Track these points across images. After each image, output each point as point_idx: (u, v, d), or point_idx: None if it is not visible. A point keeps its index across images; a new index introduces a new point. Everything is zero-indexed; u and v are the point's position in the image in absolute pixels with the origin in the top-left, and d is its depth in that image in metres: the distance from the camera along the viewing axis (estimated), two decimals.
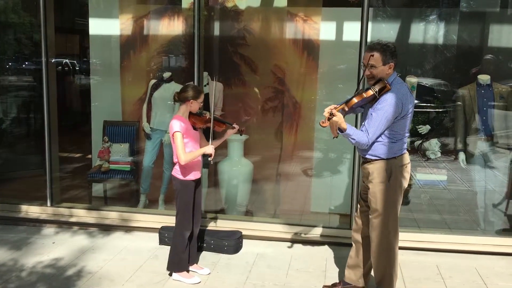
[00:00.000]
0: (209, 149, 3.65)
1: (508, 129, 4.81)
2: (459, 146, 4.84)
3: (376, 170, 3.23)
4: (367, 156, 3.26)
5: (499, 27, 5.30)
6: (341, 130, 3.07)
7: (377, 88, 3.11)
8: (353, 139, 3.12)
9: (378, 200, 3.24)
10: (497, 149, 4.78)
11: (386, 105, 3.07)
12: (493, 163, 4.80)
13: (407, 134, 3.26)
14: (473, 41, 5.34)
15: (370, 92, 3.11)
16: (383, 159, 3.20)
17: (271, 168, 5.59)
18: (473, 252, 4.37)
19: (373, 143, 3.18)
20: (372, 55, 3.12)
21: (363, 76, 3.26)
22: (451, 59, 5.31)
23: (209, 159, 3.68)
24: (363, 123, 3.23)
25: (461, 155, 4.85)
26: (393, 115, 3.09)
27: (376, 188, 3.24)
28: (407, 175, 3.28)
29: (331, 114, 2.97)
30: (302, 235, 4.63)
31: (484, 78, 4.71)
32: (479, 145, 4.77)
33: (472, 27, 5.33)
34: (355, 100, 3.11)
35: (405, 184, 3.28)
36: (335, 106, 3.06)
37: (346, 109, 3.11)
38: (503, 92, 4.76)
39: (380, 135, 3.16)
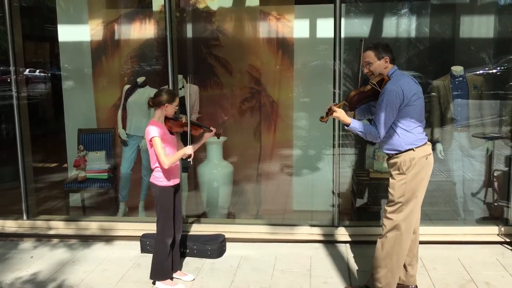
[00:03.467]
0: (189, 149, 3.58)
1: (483, 117, 4.87)
2: (436, 137, 4.89)
3: (395, 163, 3.27)
4: (386, 151, 3.34)
5: (470, 18, 5.37)
6: (347, 125, 3.21)
7: (374, 81, 3.23)
8: (360, 131, 3.22)
9: (394, 192, 3.24)
10: (473, 138, 4.84)
11: (386, 94, 3.15)
12: (470, 152, 4.85)
13: (423, 123, 3.28)
14: (445, 33, 5.39)
15: (369, 86, 3.24)
16: (401, 151, 3.23)
17: (251, 168, 5.56)
18: (455, 243, 4.40)
19: (388, 136, 3.24)
20: (366, 53, 3.29)
21: (361, 75, 3.37)
22: (424, 51, 5.35)
23: (188, 160, 3.62)
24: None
25: (439, 146, 4.89)
26: (395, 103, 3.14)
27: (393, 181, 3.27)
28: (428, 167, 3.27)
29: (330, 110, 3.14)
30: (286, 234, 4.60)
31: (457, 69, 4.76)
32: (455, 135, 4.81)
33: (443, 19, 5.38)
34: (352, 93, 3.24)
35: (427, 177, 3.28)
36: (335, 103, 3.19)
37: (347, 103, 3.23)
38: (476, 82, 4.82)
39: (390, 126, 3.20)
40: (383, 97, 3.17)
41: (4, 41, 4.98)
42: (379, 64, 3.28)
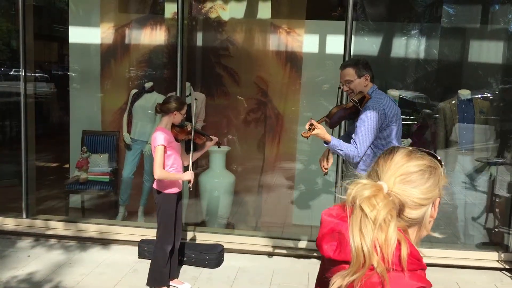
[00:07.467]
0: (188, 175, 3.61)
1: (488, 142, 4.87)
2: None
3: None
4: (363, 173, 3.15)
5: (479, 43, 5.40)
6: (326, 143, 3.07)
7: (356, 98, 3.12)
8: (341, 150, 3.07)
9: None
10: (477, 162, 4.83)
11: (368, 112, 3.06)
12: (473, 176, 4.85)
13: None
14: (453, 56, 5.42)
15: (350, 103, 3.13)
16: None
17: (253, 180, 5.55)
18: (454, 266, 4.38)
19: (367, 156, 3.10)
20: (345, 71, 3.16)
21: (341, 93, 3.30)
22: (432, 73, 5.37)
23: (189, 185, 3.66)
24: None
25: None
26: (377, 122, 3.05)
27: None
28: None
29: (311, 125, 2.95)
30: (284, 248, 4.58)
31: (464, 93, 4.77)
32: (459, 158, 4.81)
33: (452, 42, 5.41)
34: (334, 110, 3.13)
35: None
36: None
37: (328, 120, 3.11)
38: (483, 107, 4.82)
39: (369, 146, 3.09)
40: (364, 115, 3.06)
41: (15, 39, 5.00)
42: (359, 82, 3.14)
